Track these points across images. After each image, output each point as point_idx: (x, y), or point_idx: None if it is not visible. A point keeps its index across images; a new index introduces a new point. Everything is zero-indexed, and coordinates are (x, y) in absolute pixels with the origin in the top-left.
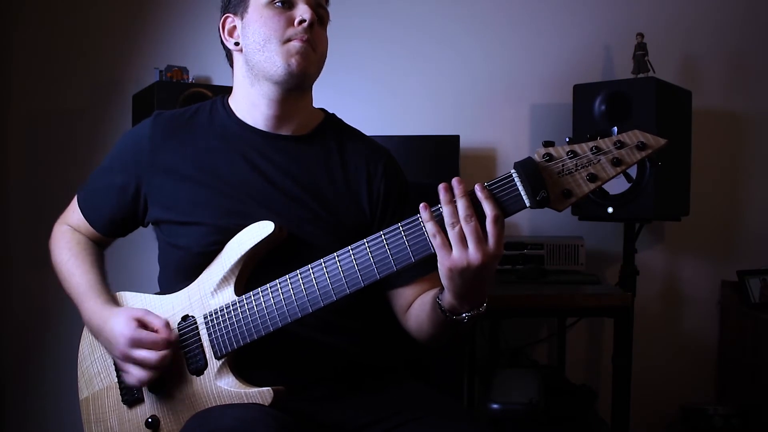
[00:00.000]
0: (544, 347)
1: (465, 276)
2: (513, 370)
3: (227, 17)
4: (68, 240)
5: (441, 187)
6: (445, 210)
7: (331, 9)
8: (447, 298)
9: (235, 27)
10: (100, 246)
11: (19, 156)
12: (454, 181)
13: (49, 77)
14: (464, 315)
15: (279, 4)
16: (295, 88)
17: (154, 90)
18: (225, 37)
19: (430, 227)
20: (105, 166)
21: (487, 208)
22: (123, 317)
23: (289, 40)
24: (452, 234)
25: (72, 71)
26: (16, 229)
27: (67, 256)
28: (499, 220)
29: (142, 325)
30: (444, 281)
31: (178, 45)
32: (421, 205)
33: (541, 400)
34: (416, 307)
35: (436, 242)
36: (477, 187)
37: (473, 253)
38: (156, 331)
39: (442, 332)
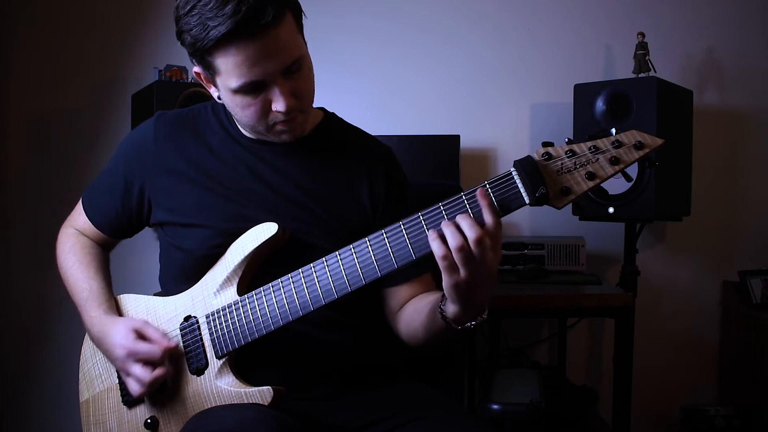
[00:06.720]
0: (545, 347)
1: (472, 288)
2: (513, 371)
3: (198, 73)
4: (73, 244)
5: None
6: (447, 231)
7: (331, 7)
8: (452, 309)
9: (210, 85)
10: (107, 248)
11: (19, 155)
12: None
13: (49, 77)
14: (469, 324)
15: (248, 91)
16: None
17: (154, 89)
18: (204, 84)
19: (436, 247)
20: (109, 167)
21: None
22: (122, 328)
23: (274, 124)
24: (458, 257)
25: (72, 71)
26: (17, 228)
27: (71, 262)
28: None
29: (141, 336)
30: (450, 295)
31: (178, 44)
32: (430, 233)
33: (541, 401)
34: (409, 313)
35: (444, 264)
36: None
37: (483, 267)
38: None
39: (439, 340)
